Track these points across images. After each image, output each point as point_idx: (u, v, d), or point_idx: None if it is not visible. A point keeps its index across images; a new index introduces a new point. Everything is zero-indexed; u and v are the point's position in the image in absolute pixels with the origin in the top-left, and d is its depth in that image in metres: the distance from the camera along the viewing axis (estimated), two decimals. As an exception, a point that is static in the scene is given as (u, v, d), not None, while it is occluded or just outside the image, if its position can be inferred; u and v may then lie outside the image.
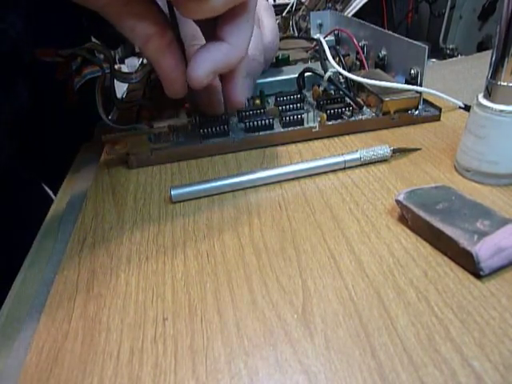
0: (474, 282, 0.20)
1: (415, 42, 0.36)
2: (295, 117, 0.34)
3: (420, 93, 0.35)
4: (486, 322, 0.18)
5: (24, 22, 0.37)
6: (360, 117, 0.35)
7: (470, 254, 0.19)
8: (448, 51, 0.78)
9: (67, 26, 0.46)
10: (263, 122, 0.34)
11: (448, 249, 0.21)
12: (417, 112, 0.35)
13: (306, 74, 0.40)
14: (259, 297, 0.20)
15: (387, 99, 0.34)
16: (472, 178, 0.27)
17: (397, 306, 0.19)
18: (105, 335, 0.19)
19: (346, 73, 0.36)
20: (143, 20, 0.22)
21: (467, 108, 0.37)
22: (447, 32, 0.83)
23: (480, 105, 0.26)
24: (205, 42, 0.25)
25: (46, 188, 0.54)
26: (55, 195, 0.35)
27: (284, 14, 0.73)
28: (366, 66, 0.44)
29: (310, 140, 0.34)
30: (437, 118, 0.36)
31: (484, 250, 0.19)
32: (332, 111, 0.35)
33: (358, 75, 0.36)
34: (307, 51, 0.52)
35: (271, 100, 0.40)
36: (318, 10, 0.72)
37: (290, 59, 0.48)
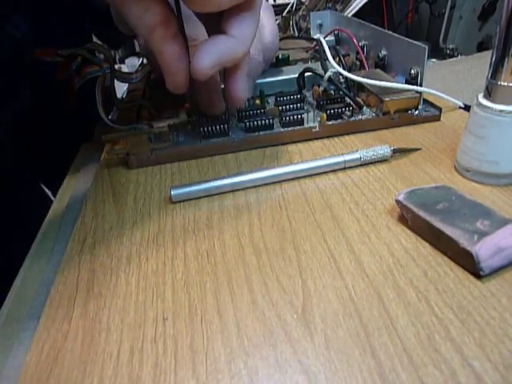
0: (474, 282, 0.20)
1: (415, 42, 0.36)
2: (295, 117, 0.34)
3: (420, 93, 0.35)
4: (486, 321, 0.18)
5: (28, 23, 0.37)
6: (360, 117, 0.35)
7: (470, 254, 0.19)
8: (448, 51, 0.78)
9: (68, 26, 0.46)
10: (263, 122, 0.34)
11: (448, 249, 0.21)
12: (417, 112, 0.35)
13: (306, 74, 0.40)
14: (259, 297, 0.20)
15: (387, 99, 0.34)
16: (472, 178, 0.27)
17: (397, 306, 0.19)
18: (105, 335, 0.19)
19: (345, 73, 0.36)
20: (150, 9, 0.23)
21: (467, 108, 0.37)
22: (447, 32, 0.83)
23: (480, 105, 0.26)
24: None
25: (45, 189, 0.54)
26: (54, 196, 0.35)
27: (284, 14, 0.73)
28: (366, 65, 0.44)
29: (310, 140, 0.34)
30: (437, 118, 0.36)
31: (484, 250, 0.19)
32: (332, 111, 0.35)
33: (357, 75, 0.36)
34: (307, 51, 0.52)
35: (271, 100, 0.40)
36: (318, 9, 0.72)
37: (290, 59, 0.48)
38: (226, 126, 0.34)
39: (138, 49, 0.40)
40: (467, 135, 0.27)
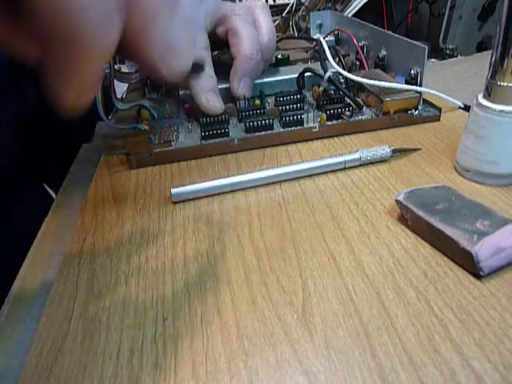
0: (473, 282, 0.20)
1: (415, 42, 0.36)
2: (295, 117, 0.34)
3: (420, 93, 0.35)
4: (486, 322, 0.18)
5: None
6: (360, 117, 0.35)
7: (469, 254, 0.19)
8: (448, 51, 0.78)
9: None
10: (263, 122, 0.34)
11: (448, 249, 0.21)
12: (417, 112, 0.35)
13: (306, 74, 0.40)
14: (259, 297, 0.20)
15: (387, 99, 0.34)
16: (472, 178, 0.27)
17: (397, 306, 0.19)
18: (105, 335, 0.19)
19: (345, 73, 0.36)
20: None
21: (467, 108, 0.37)
22: (447, 32, 0.83)
23: (480, 105, 0.26)
24: None
25: (48, 188, 0.54)
26: (55, 195, 0.34)
27: (284, 14, 0.73)
28: (365, 66, 0.44)
29: (310, 140, 0.34)
30: (437, 118, 0.36)
31: (484, 250, 0.19)
32: (332, 111, 0.35)
33: (357, 75, 0.36)
34: (307, 51, 0.52)
35: (271, 100, 0.40)
36: (318, 10, 0.72)
37: (290, 59, 0.48)
38: (226, 126, 0.34)
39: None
40: (467, 135, 0.27)
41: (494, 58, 0.25)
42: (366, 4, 0.71)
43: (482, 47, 0.81)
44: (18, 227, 0.43)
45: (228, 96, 0.37)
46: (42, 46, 0.13)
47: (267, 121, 0.34)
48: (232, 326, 0.19)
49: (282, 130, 0.34)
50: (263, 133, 0.34)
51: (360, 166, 0.30)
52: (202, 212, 0.27)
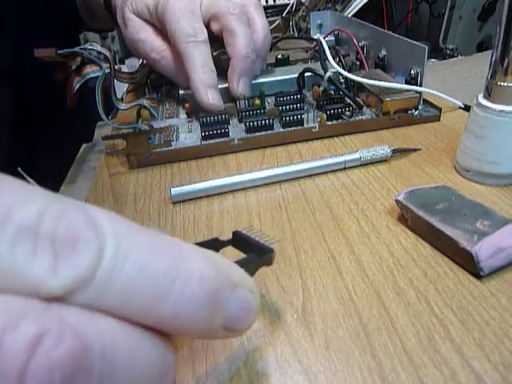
0: (473, 282, 0.20)
1: (415, 43, 0.36)
2: (295, 117, 0.34)
3: (420, 93, 0.35)
4: (486, 322, 0.18)
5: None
6: (360, 117, 0.35)
7: (469, 254, 0.19)
8: (448, 51, 0.78)
9: (46, 21, 0.45)
10: (263, 122, 0.34)
11: (448, 249, 0.21)
12: (417, 112, 0.35)
13: (306, 74, 0.40)
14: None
15: (387, 99, 0.34)
16: (472, 178, 0.27)
17: (397, 306, 0.19)
18: (105, 335, 0.19)
19: (345, 73, 0.36)
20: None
21: (467, 108, 0.37)
22: (447, 32, 0.83)
23: (480, 105, 0.26)
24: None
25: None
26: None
27: (284, 15, 0.73)
28: (365, 66, 0.44)
29: (310, 140, 0.34)
30: (437, 118, 0.36)
31: (484, 250, 0.19)
32: (332, 111, 0.35)
33: (357, 75, 0.36)
34: (307, 51, 0.52)
35: (271, 100, 0.40)
36: (318, 10, 0.72)
37: (290, 59, 0.48)
38: (226, 126, 0.34)
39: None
40: (467, 135, 0.27)
41: (494, 58, 0.25)
42: (366, 4, 0.71)
43: (482, 47, 0.81)
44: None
45: (228, 96, 0.37)
46: None
47: (267, 121, 0.34)
48: (232, 326, 0.19)
49: (282, 129, 0.34)
50: (263, 133, 0.34)
51: (360, 166, 0.30)
52: (202, 212, 0.27)
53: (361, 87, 0.38)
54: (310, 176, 0.29)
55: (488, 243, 0.20)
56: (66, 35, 0.49)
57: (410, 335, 0.17)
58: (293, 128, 0.34)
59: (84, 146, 0.42)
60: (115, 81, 0.33)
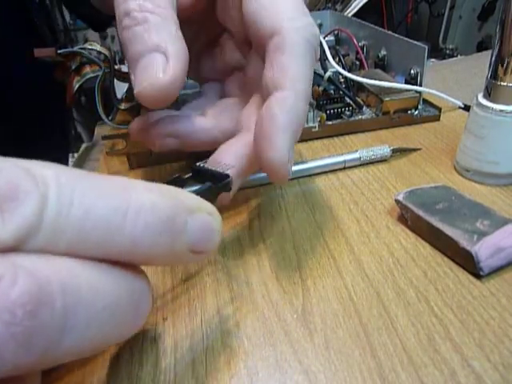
0: (473, 282, 0.20)
1: (415, 42, 0.36)
2: (295, 117, 0.34)
3: (420, 93, 0.35)
4: (486, 321, 0.18)
5: None
6: (360, 117, 0.35)
7: (469, 254, 0.19)
8: (448, 51, 0.78)
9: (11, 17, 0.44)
10: (263, 121, 0.34)
11: (448, 249, 0.21)
12: (416, 112, 0.35)
13: (306, 73, 0.40)
14: (259, 297, 0.20)
15: (387, 99, 0.34)
16: (472, 177, 0.27)
17: (396, 306, 0.19)
18: (105, 335, 0.19)
19: (345, 73, 0.36)
20: None
21: (467, 108, 0.37)
22: (447, 32, 0.84)
23: (480, 105, 0.26)
24: None
25: None
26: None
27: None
28: (365, 65, 0.44)
29: (310, 140, 0.34)
30: (436, 118, 0.36)
31: (484, 250, 0.19)
32: (332, 111, 0.35)
33: (357, 75, 0.36)
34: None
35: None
36: (318, 9, 0.72)
37: (290, 59, 0.48)
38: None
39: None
40: (467, 135, 0.27)
41: (493, 58, 0.25)
42: (366, 4, 0.71)
43: (481, 47, 0.81)
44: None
45: None
46: None
47: (267, 121, 0.34)
48: (232, 326, 0.19)
49: (281, 129, 0.34)
50: (263, 133, 0.34)
51: (360, 165, 0.30)
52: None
53: (361, 87, 0.38)
54: (309, 176, 0.29)
55: (488, 243, 0.20)
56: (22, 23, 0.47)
57: (409, 335, 0.17)
58: (293, 128, 0.34)
59: (84, 145, 0.42)
60: (115, 81, 0.33)
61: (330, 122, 0.35)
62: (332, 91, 0.38)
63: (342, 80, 0.39)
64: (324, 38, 0.43)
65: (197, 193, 0.15)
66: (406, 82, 0.38)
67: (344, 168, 0.30)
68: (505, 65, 0.24)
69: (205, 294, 0.21)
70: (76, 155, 0.41)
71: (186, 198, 0.14)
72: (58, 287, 0.10)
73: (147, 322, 0.19)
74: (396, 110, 0.35)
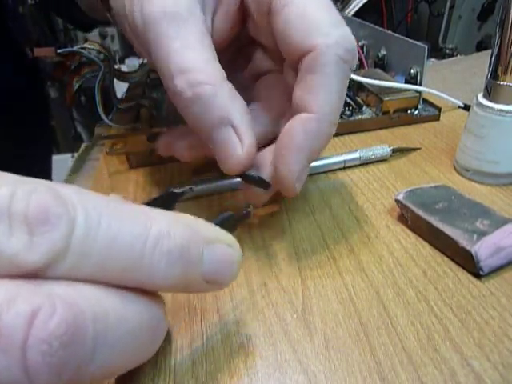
0: (473, 282, 0.20)
1: (415, 42, 0.36)
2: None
3: (419, 92, 0.35)
4: (486, 321, 0.18)
5: None
6: (359, 116, 0.35)
7: (469, 254, 0.19)
8: (447, 51, 0.78)
9: None
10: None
11: (447, 248, 0.21)
12: (416, 112, 0.35)
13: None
14: (259, 297, 0.20)
15: (387, 99, 0.34)
16: (471, 177, 0.27)
17: (396, 306, 0.19)
18: (105, 335, 0.19)
19: (345, 72, 0.36)
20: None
21: (467, 108, 0.37)
22: (447, 32, 0.83)
23: (480, 104, 0.26)
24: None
25: None
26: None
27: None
28: (365, 65, 0.44)
29: (310, 140, 0.34)
30: (436, 118, 0.36)
31: (483, 250, 0.19)
32: (332, 111, 0.35)
33: (357, 75, 0.36)
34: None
35: (271, 100, 0.40)
36: (318, 9, 0.72)
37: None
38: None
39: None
40: (467, 135, 0.27)
41: (493, 58, 0.25)
42: (365, 4, 0.71)
43: (481, 47, 0.81)
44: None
45: None
46: None
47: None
48: (232, 326, 0.19)
49: (281, 129, 0.34)
50: (263, 132, 0.34)
51: (360, 165, 0.30)
52: (202, 212, 0.27)
53: (360, 86, 0.38)
54: (309, 175, 0.29)
55: (487, 242, 0.20)
56: None
57: (409, 335, 0.17)
58: (292, 128, 0.34)
59: (84, 145, 0.42)
60: (115, 80, 0.33)
61: (329, 122, 0.34)
62: (332, 91, 0.38)
63: (342, 80, 0.39)
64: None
65: (216, 222, 0.15)
66: (406, 82, 0.38)
67: (344, 168, 0.30)
68: (504, 64, 0.24)
69: (204, 293, 0.21)
70: (76, 155, 0.41)
71: (204, 229, 0.14)
72: (90, 315, 0.11)
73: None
74: (396, 110, 0.35)
